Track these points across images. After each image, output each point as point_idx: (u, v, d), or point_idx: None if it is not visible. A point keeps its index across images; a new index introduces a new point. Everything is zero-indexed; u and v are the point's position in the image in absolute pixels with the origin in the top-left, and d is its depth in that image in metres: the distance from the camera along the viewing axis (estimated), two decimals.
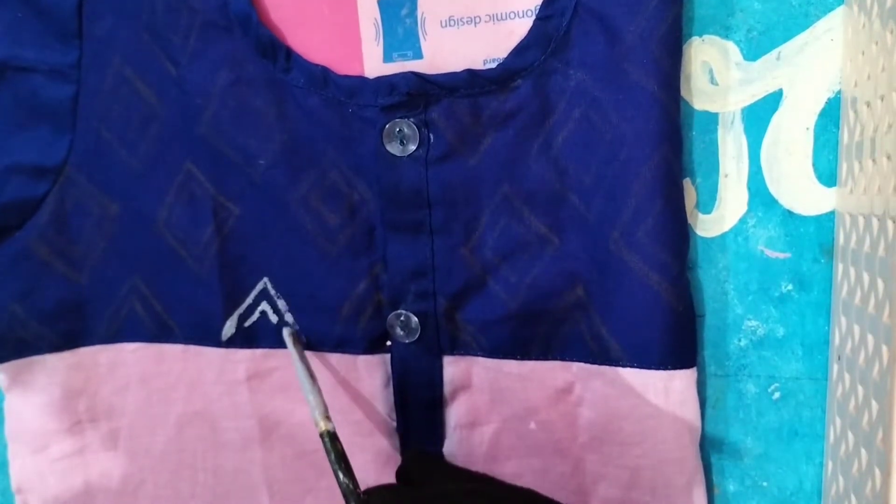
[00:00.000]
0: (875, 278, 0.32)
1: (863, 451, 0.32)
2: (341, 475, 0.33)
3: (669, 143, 0.36)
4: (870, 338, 0.32)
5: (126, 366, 0.41)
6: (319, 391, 0.37)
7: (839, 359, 0.36)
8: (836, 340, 0.37)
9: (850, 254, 0.35)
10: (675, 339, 0.37)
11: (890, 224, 0.30)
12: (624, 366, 0.37)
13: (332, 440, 0.34)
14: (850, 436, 0.34)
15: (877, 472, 0.30)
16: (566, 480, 0.39)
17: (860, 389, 0.33)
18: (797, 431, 0.39)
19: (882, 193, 0.31)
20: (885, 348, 0.30)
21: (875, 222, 0.32)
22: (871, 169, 0.33)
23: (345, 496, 0.33)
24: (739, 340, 0.39)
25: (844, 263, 0.36)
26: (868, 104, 0.33)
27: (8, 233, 0.40)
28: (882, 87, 0.32)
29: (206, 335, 0.40)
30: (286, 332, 0.39)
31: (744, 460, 0.39)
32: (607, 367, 0.37)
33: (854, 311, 0.34)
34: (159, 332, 0.41)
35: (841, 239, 0.37)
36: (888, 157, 0.31)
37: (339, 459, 0.34)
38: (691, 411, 0.37)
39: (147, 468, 0.42)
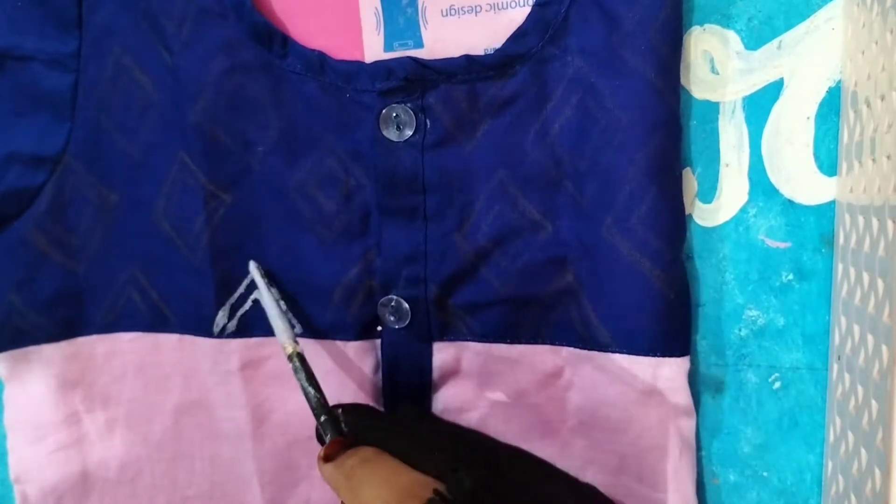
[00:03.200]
0: (875, 278, 0.32)
1: (863, 451, 0.32)
2: (312, 391, 0.35)
3: (666, 130, 0.36)
4: (870, 338, 0.32)
5: (123, 355, 0.41)
6: (288, 319, 0.38)
7: (839, 359, 0.36)
8: (836, 340, 0.37)
9: (850, 253, 0.35)
10: (666, 326, 0.36)
11: (890, 224, 0.30)
12: (613, 351, 0.37)
13: (300, 360, 0.36)
14: (850, 436, 0.34)
15: (877, 472, 0.30)
16: (554, 464, 0.39)
17: (860, 389, 0.33)
18: (797, 421, 0.38)
19: (882, 193, 0.31)
20: (885, 348, 0.30)
21: (875, 222, 0.32)
22: (871, 168, 0.33)
23: (314, 410, 0.35)
24: (740, 330, 0.39)
25: (844, 263, 0.36)
26: (868, 104, 0.33)
27: (5, 222, 0.40)
28: (882, 86, 0.32)
29: (201, 325, 0.40)
30: (253, 265, 0.39)
31: (744, 450, 0.39)
32: (596, 353, 0.37)
33: (854, 310, 0.34)
34: (156, 322, 0.41)
35: (841, 238, 0.37)
36: (888, 157, 0.31)
37: (310, 378, 0.36)
38: (680, 400, 0.37)
39: (144, 457, 0.42)
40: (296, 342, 0.37)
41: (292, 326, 0.39)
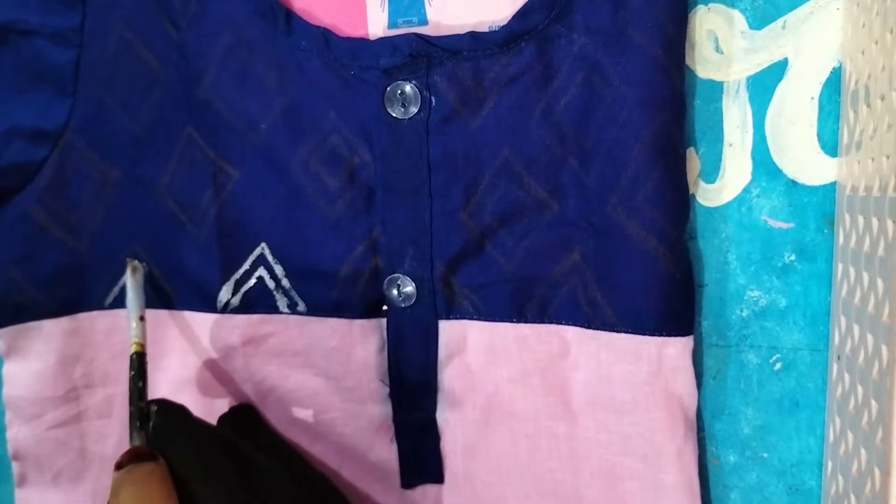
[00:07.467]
0: (875, 278, 0.32)
1: (863, 451, 0.32)
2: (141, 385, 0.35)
3: (671, 108, 0.35)
4: (870, 338, 0.32)
5: (123, 332, 0.41)
6: (143, 320, 0.38)
7: (839, 359, 0.36)
8: (836, 340, 0.37)
9: (849, 253, 0.35)
10: (671, 306, 0.36)
11: (890, 224, 0.30)
12: (618, 331, 0.37)
13: (139, 358, 0.36)
14: (850, 436, 0.34)
15: (876, 471, 0.30)
16: (559, 445, 0.39)
17: (860, 389, 0.33)
18: (798, 402, 0.38)
19: (882, 193, 0.31)
20: (884, 348, 0.30)
21: (875, 222, 0.32)
22: (871, 168, 0.33)
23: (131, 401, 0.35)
24: (741, 311, 0.39)
25: (844, 263, 0.36)
26: (868, 103, 0.33)
27: (6, 196, 0.40)
28: (882, 86, 0.32)
29: (203, 301, 0.40)
30: (131, 266, 0.40)
31: (744, 431, 0.39)
32: (602, 332, 0.37)
33: (854, 310, 0.34)
34: (156, 299, 0.41)
35: (841, 238, 0.36)
36: (888, 157, 0.31)
37: (139, 377, 0.35)
38: (685, 380, 0.37)
39: None
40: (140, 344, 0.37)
41: (295, 304, 0.39)
